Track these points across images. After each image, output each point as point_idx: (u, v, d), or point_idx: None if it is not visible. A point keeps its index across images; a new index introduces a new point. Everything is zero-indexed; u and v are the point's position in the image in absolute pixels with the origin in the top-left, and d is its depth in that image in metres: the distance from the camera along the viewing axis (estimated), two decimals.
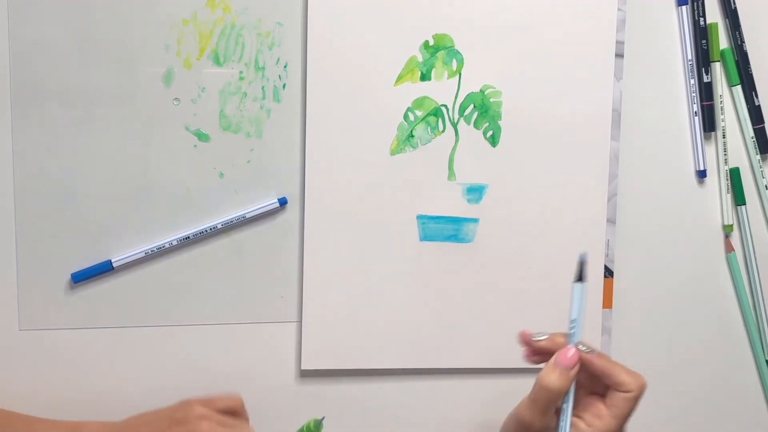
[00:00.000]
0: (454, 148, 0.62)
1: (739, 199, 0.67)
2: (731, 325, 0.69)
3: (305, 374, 0.62)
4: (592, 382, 0.49)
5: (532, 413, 0.47)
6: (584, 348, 0.48)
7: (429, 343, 0.63)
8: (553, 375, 0.47)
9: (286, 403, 0.62)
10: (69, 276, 0.57)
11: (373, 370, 0.63)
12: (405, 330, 0.62)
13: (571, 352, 0.47)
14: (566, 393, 0.47)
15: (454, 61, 0.61)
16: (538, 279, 0.64)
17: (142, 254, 0.58)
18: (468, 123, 0.62)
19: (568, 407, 0.47)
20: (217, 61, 0.58)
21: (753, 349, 0.69)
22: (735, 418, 0.69)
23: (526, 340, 0.50)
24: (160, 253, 0.58)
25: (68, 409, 0.58)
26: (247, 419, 0.58)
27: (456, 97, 0.61)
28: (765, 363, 0.69)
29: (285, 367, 0.61)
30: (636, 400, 0.48)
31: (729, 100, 0.67)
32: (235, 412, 0.58)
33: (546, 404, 0.47)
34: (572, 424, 0.48)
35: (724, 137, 0.67)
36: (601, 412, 0.48)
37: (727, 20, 0.66)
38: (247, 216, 0.59)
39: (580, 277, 0.48)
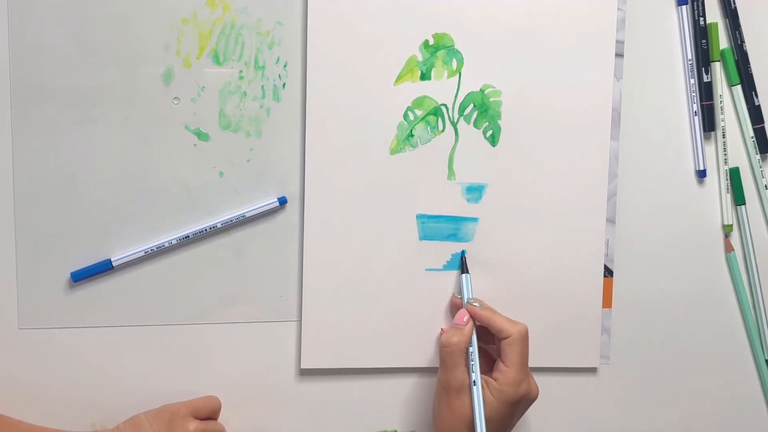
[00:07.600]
0: (453, 148, 0.62)
1: (738, 198, 0.67)
2: (731, 324, 0.69)
3: (305, 373, 0.62)
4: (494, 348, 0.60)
5: (444, 373, 0.57)
6: (475, 303, 0.60)
7: (429, 342, 0.62)
8: (450, 333, 0.58)
9: (285, 402, 0.62)
10: (68, 275, 0.58)
11: (373, 369, 0.63)
12: (405, 329, 0.62)
13: (463, 314, 0.59)
14: (468, 348, 0.57)
15: (454, 60, 0.61)
16: (538, 278, 0.64)
17: (142, 253, 0.58)
18: (468, 122, 0.62)
19: (476, 360, 0.57)
20: (216, 61, 0.58)
21: (753, 349, 0.69)
22: (735, 418, 0.69)
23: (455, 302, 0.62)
24: (160, 252, 0.58)
25: (68, 408, 0.58)
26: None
27: (456, 96, 0.61)
28: (765, 363, 0.69)
29: (285, 366, 0.61)
30: (518, 344, 0.57)
31: (729, 100, 0.67)
32: (213, 415, 0.59)
33: (452, 359, 0.56)
34: (484, 380, 0.57)
35: (723, 137, 0.67)
36: (501, 367, 0.57)
37: (727, 20, 0.66)
38: (247, 215, 0.59)
39: (464, 270, 0.61)
